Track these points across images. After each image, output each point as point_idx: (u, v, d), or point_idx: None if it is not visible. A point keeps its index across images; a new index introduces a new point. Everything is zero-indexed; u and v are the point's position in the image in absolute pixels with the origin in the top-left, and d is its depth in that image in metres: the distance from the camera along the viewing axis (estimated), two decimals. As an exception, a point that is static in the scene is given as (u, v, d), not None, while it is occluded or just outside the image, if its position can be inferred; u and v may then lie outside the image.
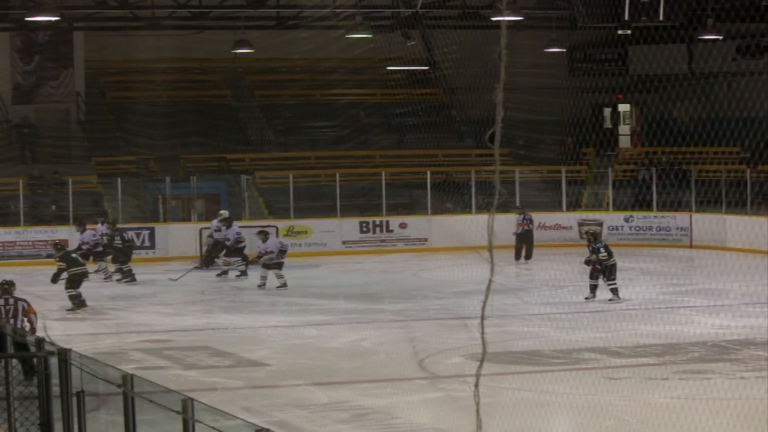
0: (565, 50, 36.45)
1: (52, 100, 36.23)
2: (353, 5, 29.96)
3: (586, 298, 22.89)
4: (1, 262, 31.01)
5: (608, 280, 22.77)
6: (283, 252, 26.30)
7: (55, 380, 9.42)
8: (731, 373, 15.83)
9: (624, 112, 43.02)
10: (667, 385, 15.21)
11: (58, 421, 9.44)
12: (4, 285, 15.90)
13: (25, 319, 15.52)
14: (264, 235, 26.54)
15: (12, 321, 15.26)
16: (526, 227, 30.77)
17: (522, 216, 30.82)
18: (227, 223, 28.54)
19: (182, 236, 32.05)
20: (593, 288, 22.88)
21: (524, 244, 30.72)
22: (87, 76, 37.58)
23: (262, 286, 25.72)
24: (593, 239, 23.64)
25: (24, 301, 15.68)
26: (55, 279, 23.27)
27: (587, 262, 23.03)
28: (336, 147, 38.55)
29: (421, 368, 16.68)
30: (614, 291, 22.76)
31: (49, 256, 27.08)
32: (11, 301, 15.51)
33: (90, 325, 21.30)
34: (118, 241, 27.78)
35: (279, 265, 25.88)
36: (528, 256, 30.66)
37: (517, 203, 32.35)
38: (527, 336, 19.44)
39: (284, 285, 25.56)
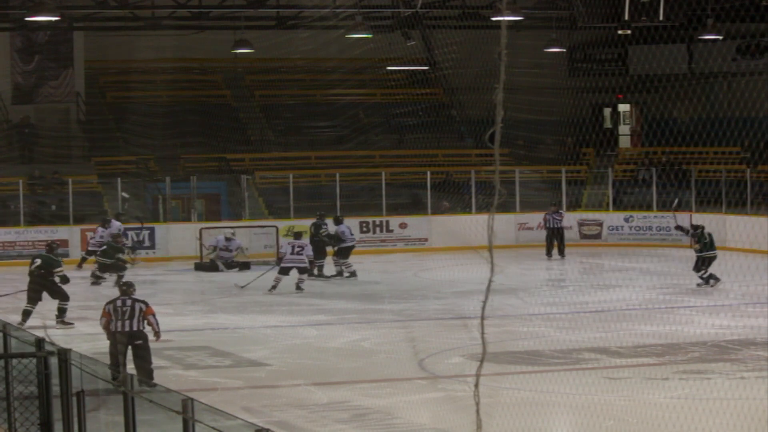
0: (565, 50, 36.44)
1: (52, 100, 36.23)
2: (353, 5, 29.95)
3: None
4: (1, 262, 31.02)
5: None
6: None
7: (55, 380, 9.42)
8: (731, 373, 15.83)
9: (624, 112, 43.02)
10: (667, 385, 15.21)
11: (58, 421, 9.44)
12: (122, 287, 15.87)
13: (145, 322, 15.41)
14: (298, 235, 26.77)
15: (128, 322, 15.24)
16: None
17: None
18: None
19: (182, 236, 32.03)
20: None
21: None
22: (87, 76, 37.58)
23: (273, 289, 25.54)
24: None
25: (142, 302, 15.48)
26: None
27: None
28: (336, 147, 38.54)
29: (421, 368, 16.68)
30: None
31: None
32: (129, 302, 15.39)
33: (90, 325, 21.26)
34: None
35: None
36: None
37: (558, 203, 33.15)
38: (527, 336, 19.44)
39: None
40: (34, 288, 20.88)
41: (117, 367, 14.62)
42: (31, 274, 21.19)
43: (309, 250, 25.82)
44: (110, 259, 26.64)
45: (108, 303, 15.60)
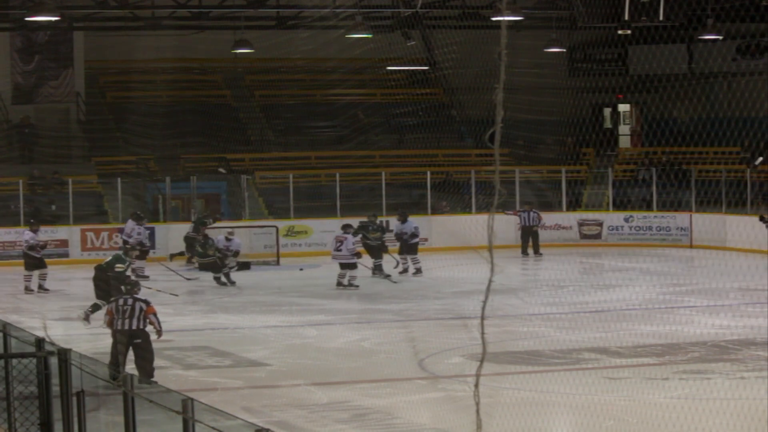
0: (565, 50, 36.43)
1: (52, 100, 36.23)
2: (353, 5, 29.95)
3: None
4: (1, 262, 31.01)
5: None
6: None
7: (55, 380, 9.42)
8: (731, 373, 15.83)
9: (624, 112, 43.02)
10: (667, 385, 15.21)
11: (58, 421, 9.44)
12: (126, 286, 16.21)
13: (147, 321, 15.56)
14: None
15: (128, 321, 15.41)
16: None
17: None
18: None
19: (182, 236, 32.01)
20: None
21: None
22: (87, 76, 37.58)
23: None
24: None
25: (143, 302, 15.63)
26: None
27: None
28: (336, 147, 38.54)
29: (421, 368, 16.68)
30: None
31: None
32: (130, 301, 15.56)
33: (90, 325, 21.28)
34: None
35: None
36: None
37: (531, 202, 33.50)
38: (527, 336, 19.44)
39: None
40: (99, 284, 21.36)
41: (116, 367, 14.78)
42: (96, 268, 21.88)
43: (349, 244, 25.85)
44: (209, 258, 26.77)
45: (111, 301, 15.86)
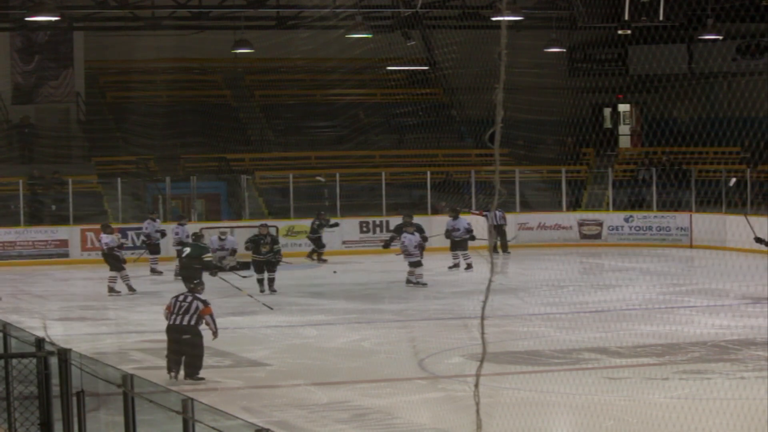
0: (565, 50, 36.44)
1: (52, 100, 36.23)
2: (353, 5, 29.95)
3: None
4: (1, 262, 31.03)
5: None
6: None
7: (55, 380, 9.42)
8: (731, 373, 15.83)
9: (624, 112, 43.03)
10: (667, 385, 15.21)
11: (58, 421, 9.44)
12: (191, 285, 16.60)
13: (203, 321, 15.79)
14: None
15: (180, 317, 15.68)
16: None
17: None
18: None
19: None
20: None
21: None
22: (87, 76, 37.58)
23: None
24: None
25: (202, 301, 15.85)
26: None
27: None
28: (336, 147, 38.54)
29: (421, 368, 16.68)
30: None
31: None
32: (189, 298, 15.84)
33: (90, 325, 21.30)
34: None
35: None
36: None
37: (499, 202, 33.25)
38: (527, 336, 19.44)
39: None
40: (187, 275, 21.79)
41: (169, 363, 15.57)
42: (181, 261, 23.21)
43: (404, 242, 26.03)
44: (262, 256, 26.53)
45: (173, 297, 16.17)
